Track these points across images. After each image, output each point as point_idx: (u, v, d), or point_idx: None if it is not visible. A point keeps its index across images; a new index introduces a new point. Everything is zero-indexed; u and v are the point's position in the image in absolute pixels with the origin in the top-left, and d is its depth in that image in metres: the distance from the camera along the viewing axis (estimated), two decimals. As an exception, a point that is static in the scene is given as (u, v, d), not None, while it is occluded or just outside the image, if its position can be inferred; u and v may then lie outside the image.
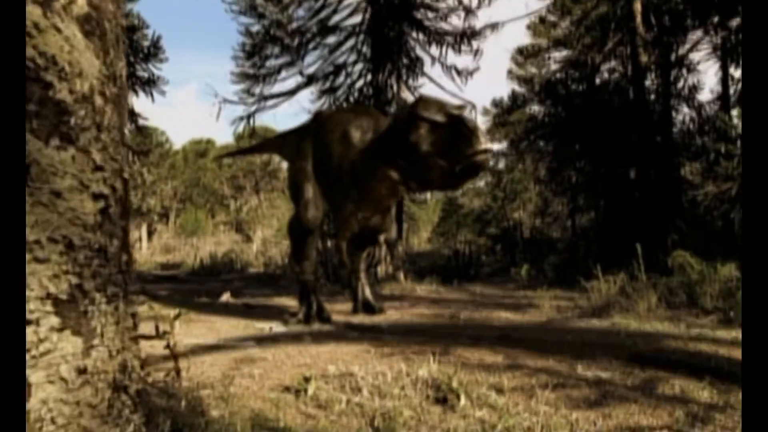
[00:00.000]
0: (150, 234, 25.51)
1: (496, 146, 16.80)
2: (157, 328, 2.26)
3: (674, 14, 10.23)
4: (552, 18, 13.28)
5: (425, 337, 3.97)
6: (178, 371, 2.31)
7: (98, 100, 1.36)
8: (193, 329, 4.52)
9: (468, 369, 2.86)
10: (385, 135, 4.44)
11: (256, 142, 10.48)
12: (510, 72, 14.73)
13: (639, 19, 9.49)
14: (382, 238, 5.08)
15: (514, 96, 13.97)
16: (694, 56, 11.08)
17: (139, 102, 25.50)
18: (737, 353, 3.21)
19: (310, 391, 2.42)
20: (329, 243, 10.03)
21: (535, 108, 13.24)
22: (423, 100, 4.20)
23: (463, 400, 2.34)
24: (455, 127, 3.87)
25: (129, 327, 1.46)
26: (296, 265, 5.22)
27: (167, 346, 2.26)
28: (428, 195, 17.84)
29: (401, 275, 9.21)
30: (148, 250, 22.55)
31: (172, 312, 2.52)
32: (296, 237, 5.14)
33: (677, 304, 4.97)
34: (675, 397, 2.42)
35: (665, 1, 10.34)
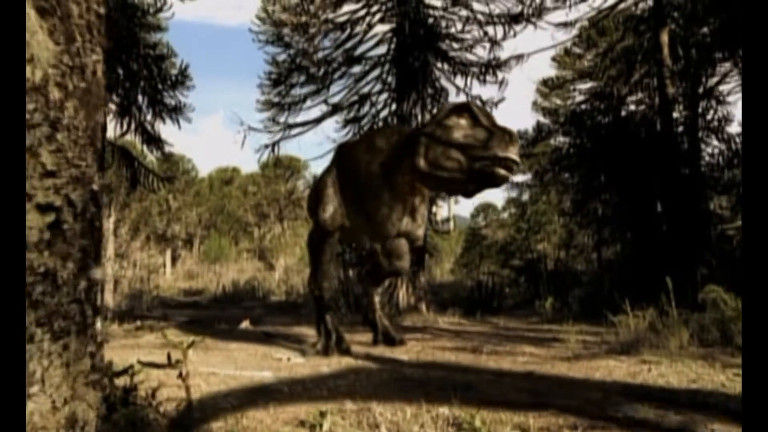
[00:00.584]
0: (174, 260, 25.72)
1: (520, 178, 16.71)
2: (169, 356, 2.19)
3: (702, 46, 10.13)
4: (577, 50, 13.24)
5: (447, 372, 3.84)
6: (189, 402, 2.23)
7: (55, 93, 1.17)
8: (210, 357, 4.45)
9: (491, 407, 2.74)
10: (418, 129, 4.34)
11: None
12: (535, 103, 14.67)
13: (666, 51, 9.39)
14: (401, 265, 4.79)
15: (539, 127, 13.87)
16: (724, 88, 10.94)
17: (165, 129, 25.92)
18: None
19: (326, 427, 2.32)
20: (351, 272, 9.95)
21: (560, 139, 13.14)
22: (475, 104, 4.14)
23: (486, 441, 2.22)
24: (494, 131, 3.77)
25: (84, 370, 1.22)
26: (314, 283, 5.08)
27: (179, 376, 2.19)
28: (451, 225, 17.69)
29: (423, 306, 9.08)
30: (172, 275, 22.70)
31: (186, 340, 2.45)
32: (315, 249, 5.05)
33: (710, 341, 4.77)
34: (714, 443, 2.27)
35: (692, 33, 10.25)
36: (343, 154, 5.10)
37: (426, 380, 3.41)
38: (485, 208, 24.76)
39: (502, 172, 3.76)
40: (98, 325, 1.32)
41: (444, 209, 15.52)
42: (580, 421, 2.54)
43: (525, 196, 17.37)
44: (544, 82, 13.74)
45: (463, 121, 3.89)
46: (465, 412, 2.47)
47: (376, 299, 5.41)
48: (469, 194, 4.13)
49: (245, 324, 6.94)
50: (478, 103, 9.95)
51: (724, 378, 3.53)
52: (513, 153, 3.73)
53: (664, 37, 9.42)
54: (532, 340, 5.85)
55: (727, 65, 10.52)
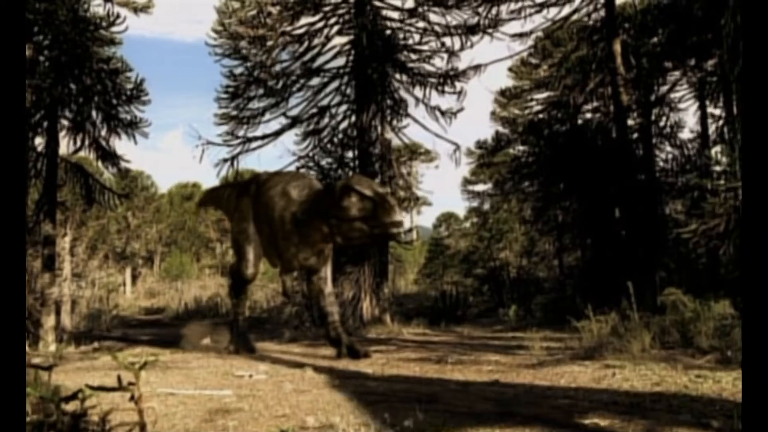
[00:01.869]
0: (134, 278, 25.15)
1: (481, 187, 16.88)
2: (119, 378, 2.08)
3: (653, 55, 10.38)
4: (533, 60, 13.44)
5: (411, 384, 3.79)
6: (143, 426, 2.12)
7: None
8: (169, 377, 4.31)
9: (457, 419, 2.69)
10: (323, 195, 5.40)
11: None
12: (493, 113, 14.82)
13: (619, 60, 9.58)
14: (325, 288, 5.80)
15: (497, 137, 14.01)
16: (675, 95, 11.23)
17: (123, 146, 25.35)
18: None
19: (287, 446, 2.24)
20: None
21: (519, 148, 13.29)
22: (357, 177, 5.79)
23: (452, 453, 2.17)
24: (378, 201, 4.92)
25: None
26: (234, 299, 6.46)
27: (132, 399, 2.08)
28: (414, 235, 17.72)
29: (387, 317, 9.02)
30: (132, 294, 22.18)
31: (140, 360, 2.34)
32: (236, 282, 6.34)
33: (671, 343, 4.82)
34: (680, 446, 2.26)
35: (643, 43, 10.50)
36: (259, 190, 6.01)
37: (390, 393, 3.35)
38: (447, 218, 24.85)
39: (394, 231, 5.08)
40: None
41: (406, 220, 15.52)
42: (546, 429, 2.51)
43: (486, 205, 17.52)
44: (502, 93, 13.90)
45: (353, 199, 5.01)
46: (430, 425, 2.42)
47: (336, 318, 5.57)
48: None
49: (207, 341, 6.78)
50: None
51: (687, 380, 3.56)
52: (396, 217, 4.94)
53: (617, 47, 9.61)
54: (496, 349, 5.84)
55: (677, 74, 10.80)
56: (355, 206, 5.01)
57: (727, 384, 3.37)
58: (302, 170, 10.09)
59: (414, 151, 17.53)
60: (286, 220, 5.60)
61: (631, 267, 8.14)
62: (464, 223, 24.21)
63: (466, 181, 18.42)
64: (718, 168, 7.56)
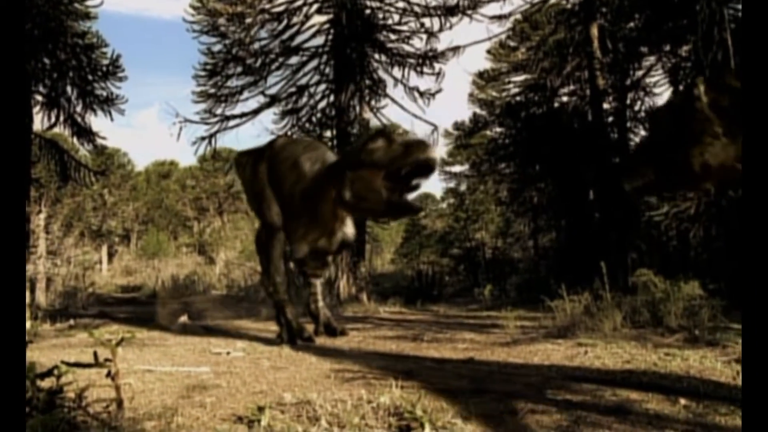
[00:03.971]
0: (111, 256, 24.92)
1: (458, 168, 16.91)
2: (96, 355, 2.09)
3: (629, 40, 10.47)
4: (511, 43, 13.46)
5: (388, 361, 3.85)
6: (120, 402, 2.14)
7: None
8: (146, 354, 4.31)
9: (432, 395, 2.75)
10: (342, 155, 4.78)
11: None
12: (471, 95, 14.85)
13: (596, 44, 9.67)
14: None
15: (475, 119, 14.06)
16: (650, 80, 11.36)
17: (98, 123, 24.89)
18: (709, 373, 3.17)
19: (264, 422, 2.27)
20: (292, 264, 9.84)
21: (497, 130, 13.36)
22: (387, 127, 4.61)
23: (427, 429, 2.22)
24: (410, 142, 4.04)
25: None
26: (268, 283, 5.27)
27: (108, 375, 2.10)
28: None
29: (364, 296, 9.09)
30: (109, 272, 21.98)
31: (115, 337, 2.35)
32: (264, 247, 5.27)
33: (642, 322, 4.94)
34: (650, 422, 2.34)
35: (620, 28, 10.58)
36: (273, 156, 5.22)
37: (367, 370, 3.40)
38: (424, 199, 24.97)
39: (417, 204, 4.49)
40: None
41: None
42: (520, 405, 2.58)
43: (463, 186, 17.60)
44: (480, 75, 13.91)
45: (380, 143, 4.12)
46: (406, 401, 2.47)
47: (318, 290, 5.39)
48: (388, 219, 4.56)
49: (184, 319, 6.76)
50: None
51: (656, 358, 3.66)
52: (431, 154, 3.99)
53: (594, 31, 9.69)
54: (471, 327, 5.93)
55: (652, 59, 10.93)
56: (380, 149, 4.14)
57: (695, 362, 3.48)
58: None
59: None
60: (296, 197, 4.91)
61: (604, 248, 8.30)
62: (441, 203, 24.34)
63: (444, 162, 18.48)
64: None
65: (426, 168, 4.04)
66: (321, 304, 5.40)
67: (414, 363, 3.73)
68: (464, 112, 29.43)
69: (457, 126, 15.22)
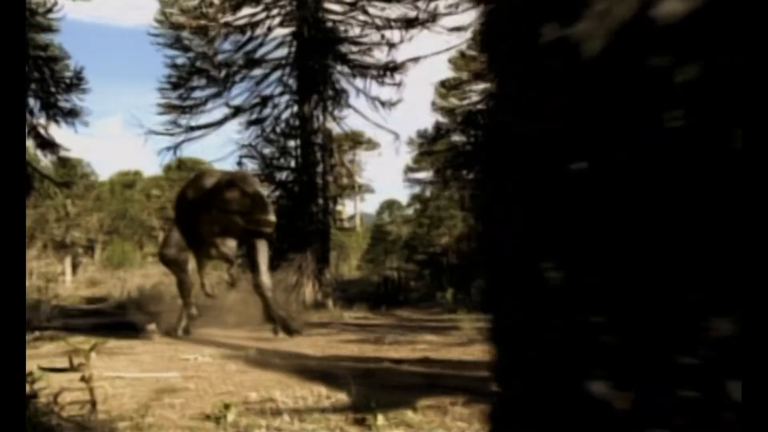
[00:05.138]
0: (75, 267, 24.51)
1: (423, 175, 17.22)
2: (71, 359, 2.26)
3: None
4: (471, 52, 13.80)
5: (349, 362, 4.06)
6: (93, 404, 2.31)
7: None
8: (115, 362, 4.43)
9: (387, 390, 2.97)
10: (212, 191, 5.89)
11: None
12: (434, 104, 15.15)
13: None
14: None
15: (438, 127, 14.36)
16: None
17: (58, 131, 24.56)
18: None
19: (230, 418, 2.47)
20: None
21: (458, 138, 13.67)
22: (242, 173, 6.69)
23: (380, 420, 2.44)
24: (256, 200, 5.61)
25: None
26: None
27: (83, 379, 2.27)
28: (357, 222, 17.94)
29: (330, 303, 9.26)
30: (73, 284, 21.63)
31: (89, 343, 2.52)
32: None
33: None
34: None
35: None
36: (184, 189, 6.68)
37: (329, 371, 3.61)
38: (390, 205, 25.18)
39: (266, 229, 5.77)
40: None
41: (350, 207, 15.72)
42: (466, 397, 2.82)
43: (428, 193, 17.89)
44: (442, 83, 14.23)
45: (235, 193, 5.59)
46: (363, 397, 2.69)
47: (267, 294, 5.83)
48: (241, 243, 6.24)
49: (152, 328, 6.85)
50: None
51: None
52: (270, 216, 5.64)
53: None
54: (432, 329, 6.18)
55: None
56: (234, 200, 5.59)
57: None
58: (244, 159, 10.23)
59: (356, 140, 17.74)
60: (191, 218, 6.20)
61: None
62: (407, 210, 24.61)
63: (409, 169, 18.75)
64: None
65: (264, 225, 5.60)
66: (273, 306, 5.85)
67: (373, 364, 3.95)
68: (428, 120, 29.82)
69: (421, 134, 15.50)
